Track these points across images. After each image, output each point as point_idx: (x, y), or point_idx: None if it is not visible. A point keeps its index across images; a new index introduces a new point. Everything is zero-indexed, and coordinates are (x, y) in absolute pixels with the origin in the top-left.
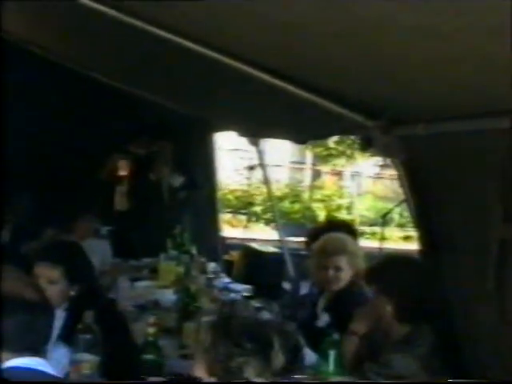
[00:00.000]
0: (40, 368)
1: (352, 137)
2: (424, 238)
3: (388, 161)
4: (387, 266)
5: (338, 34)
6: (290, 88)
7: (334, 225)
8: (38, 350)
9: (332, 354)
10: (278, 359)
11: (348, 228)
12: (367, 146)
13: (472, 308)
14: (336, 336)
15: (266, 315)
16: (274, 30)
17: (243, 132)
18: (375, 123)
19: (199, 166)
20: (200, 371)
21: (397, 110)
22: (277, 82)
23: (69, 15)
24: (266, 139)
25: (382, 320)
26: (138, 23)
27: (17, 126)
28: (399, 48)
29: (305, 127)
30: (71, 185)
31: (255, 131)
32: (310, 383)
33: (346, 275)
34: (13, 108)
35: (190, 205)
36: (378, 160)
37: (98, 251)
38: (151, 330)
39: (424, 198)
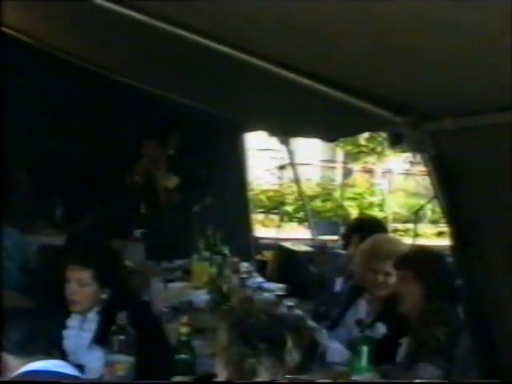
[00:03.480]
0: (58, 370)
1: (382, 134)
2: (455, 234)
3: (418, 157)
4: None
5: (364, 32)
6: (318, 86)
7: (366, 222)
8: (50, 353)
9: (364, 349)
10: (292, 357)
11: (379, 224)
12: (397, 142)
13: (502, 304)
14: (368, 332)
15: (289, 313)
16: (301, 30)
17: (273, 132)
18: (404, 119)
19: (229, 167)
20: (218, 370)
21: (426, 106)
22: (305, 80)
23: (92, 16)
24: (296, 138)
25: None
26: (164, 25)
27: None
28: (424, 44)
29: (334, 125)
30: (107, 188)
31: (285, 130)
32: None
33: (393, 280)
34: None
35: (199, 204)
36: (409, 156)
37: (132, 253)
38: (184, 330)
39: (454, 193)
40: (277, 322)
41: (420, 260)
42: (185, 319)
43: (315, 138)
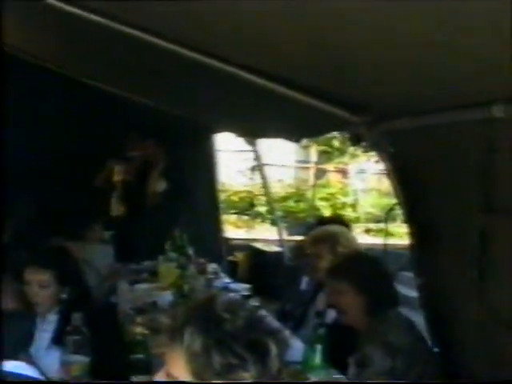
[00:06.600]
0: (16, 370)
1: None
2: (413, 232)
3: (378, 156)
4: (354, 261)
5: (320, 36)
6: (280, 88)
7: (324, 221)
8: (17, 356)
9: (318, 348)
10: (275, 365)
11: (339, 222)
12: (357, 141)
13: (456, 300)
14: (322, 331)
15: (262, 315)
16: (262, 34)
17: (241, 133)
18: (362, 119)
19: (199, 169)
20: (180, 375)
21: (382, 105)
22: (266, 83)
23: (59, 23)
24: (265, 139)
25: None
26: (133, 31)
27: (18, 135)
28: (378, 45)
29: (297, 126)
30: (77, 192)
31: (252, 132)
32: (310, 383)
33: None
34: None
35: (179, 210)
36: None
37: (102, 256)
38: (139, 330)
39: (410, 192)
40: (254, 326)
41: (355, 270)
42: (139, 319)
43: (280, 139)
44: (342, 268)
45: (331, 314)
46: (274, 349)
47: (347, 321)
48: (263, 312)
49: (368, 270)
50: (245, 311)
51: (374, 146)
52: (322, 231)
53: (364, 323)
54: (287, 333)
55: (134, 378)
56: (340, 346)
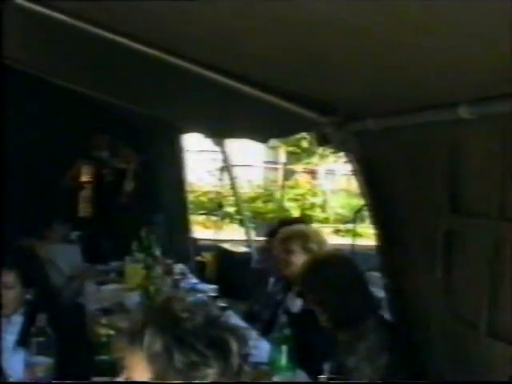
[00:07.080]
0: None
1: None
2: (381, 233)
3: (346, 157)
4: (315, 270)
5: (288, 36)
6: (248, 89)
7: (287, 222)
8: None
9: (284, 348)
10: (236, 361)
11: (300, 222)
12: (324, 142)
13: (423, 300)
14: (287, 331)
15: (220, 312)
16: (228, 34)
17: (209, 134)
18: (329, 119)
19: (167, 169)
20: (140, 377)
21: (350, 106)
22: (234, 83)
23: (27, 23)
24: (233, 140)
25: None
26: (96, 30)
27: None
28: (346, 46)
29: (265, 127)
30: (42, 191)
31: (220, 132)
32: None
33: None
34: None
35: (146, 210)
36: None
37: (68, 256)
38: (105, 331)
39: (378, 193)
40: (213, 324)
41: (321, 287)
42: (106, 320)
43: (248, 140)
44: (309, 281)
45: (297, 304)
46: (234, 344)
47: (322, 323)
48: (228, 311)
49: (335, 285)
50: (202, 309)
51: (341, 146)
52: (293, 229)
53: (340, 331)
54: (247, 329)
55: (99, 380)
56: (309, 346)
